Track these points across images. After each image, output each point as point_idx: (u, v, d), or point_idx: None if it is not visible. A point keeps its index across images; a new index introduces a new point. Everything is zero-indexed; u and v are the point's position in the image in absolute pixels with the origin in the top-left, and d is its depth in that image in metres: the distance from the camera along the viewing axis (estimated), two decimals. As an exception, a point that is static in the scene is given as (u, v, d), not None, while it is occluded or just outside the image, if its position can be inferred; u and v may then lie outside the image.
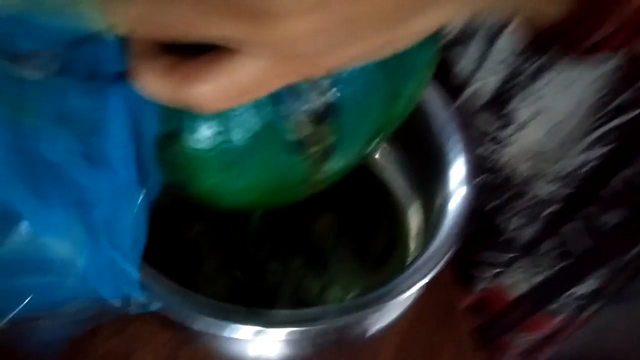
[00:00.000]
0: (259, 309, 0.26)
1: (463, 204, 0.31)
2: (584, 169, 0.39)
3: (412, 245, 0.38)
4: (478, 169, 0.43)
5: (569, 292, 0.48)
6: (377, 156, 0.43)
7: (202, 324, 0.26)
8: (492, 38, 0.38)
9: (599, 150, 0.37)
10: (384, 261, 0.39)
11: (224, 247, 0.38)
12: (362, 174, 0.42)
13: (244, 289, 0.37)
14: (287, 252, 0.39)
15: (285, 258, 0.38)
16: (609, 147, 0.37)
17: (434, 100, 0.35)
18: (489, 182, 0.44)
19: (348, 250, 0.39)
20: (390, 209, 0.41)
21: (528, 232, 0.45)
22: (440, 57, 0.42)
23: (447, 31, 0.41)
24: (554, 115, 0.38)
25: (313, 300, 0.37)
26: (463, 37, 0.40)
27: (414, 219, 0.40)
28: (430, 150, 0.35)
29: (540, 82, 0.37)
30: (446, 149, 0.33)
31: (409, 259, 0.38)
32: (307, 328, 0.26)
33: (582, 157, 0.38)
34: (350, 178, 0.43)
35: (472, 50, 0.39)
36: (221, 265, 0.38)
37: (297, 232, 0.40)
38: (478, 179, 0.44)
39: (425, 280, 0.28)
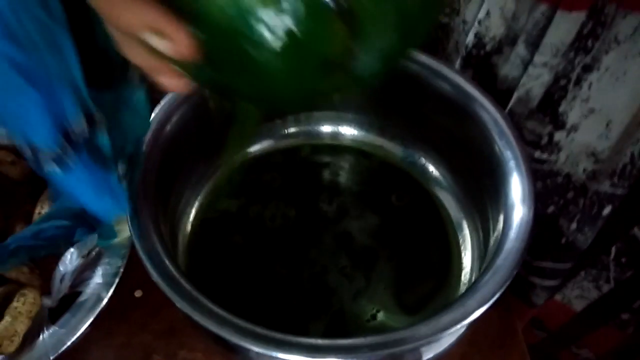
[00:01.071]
0: (312, 338, 0.25)
1: (524, 222, 0.29)
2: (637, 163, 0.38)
3: (467, 266, 0.36)
4: (536, 173, 0.42)
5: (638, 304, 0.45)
6: (428, 170, 0.41)
7: (251, 352, 0.25)
8: (534, 41, 0.37)
9: None
10: (433, 282, 0.37)
11: (261, 255, 0.38)
12: (414, 189, 0.41)
13: (284, 294, 0.37)
14: (329, 262, 0.38)
15: (327, 268, 0.37)
16: None
17: (487, 110, 0.33)
18: (549, 185, 0.43)
19: (393, 264, 0.38)
20: (442, 225, 0.39)
21: (589, 235, 0.43)
22: (486, 64, 0.41)
23: (490, 38, 0.40)
24: (607, 113, 0.37)
25: (357, 311, 0.36)
26: (506, 42, 0.39)
27: (469, 237, 0.38)
28: (485, 163, 0.33)
29: (588, 81, 0.36)
30: (503, 162, 0.31)
31: (464, 279, 0.36)
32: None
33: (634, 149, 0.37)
34: (401, 190, 0.42)
35: (516, 55, 0.39)
36: (259, 273, 0.37)
37: (340, 244, 0.39)
38: (536, 184, 0.42)
39: (486, 307, 0.26)
